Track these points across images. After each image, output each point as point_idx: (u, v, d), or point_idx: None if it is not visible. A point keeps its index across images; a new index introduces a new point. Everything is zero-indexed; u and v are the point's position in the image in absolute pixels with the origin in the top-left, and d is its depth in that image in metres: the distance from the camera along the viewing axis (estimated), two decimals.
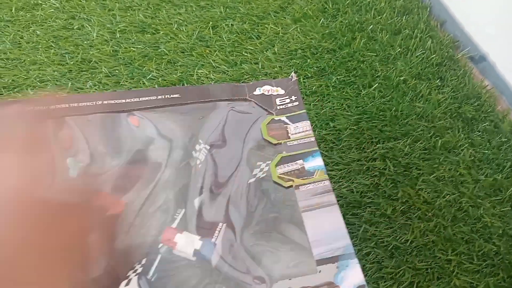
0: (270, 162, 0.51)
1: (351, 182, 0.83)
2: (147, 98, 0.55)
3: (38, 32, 1.06)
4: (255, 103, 0.56)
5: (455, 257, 0.75)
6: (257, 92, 0.57)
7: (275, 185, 0.49)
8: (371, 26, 1.12)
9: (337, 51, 1.06)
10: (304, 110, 0.56)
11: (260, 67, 1.00)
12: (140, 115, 0.54)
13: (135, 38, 1.06)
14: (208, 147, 0.51)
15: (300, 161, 0.51)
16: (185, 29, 1.08)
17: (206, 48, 1.04)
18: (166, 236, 0.44)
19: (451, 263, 0.74)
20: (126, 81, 0.96)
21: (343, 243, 0.45)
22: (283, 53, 1.04)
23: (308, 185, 0.49)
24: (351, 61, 1.04)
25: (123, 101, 0.55)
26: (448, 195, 0.82)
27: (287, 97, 0.57)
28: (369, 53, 1.06)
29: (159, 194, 0.48)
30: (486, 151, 0.90)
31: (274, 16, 1.13)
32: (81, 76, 0.97)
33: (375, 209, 0.79)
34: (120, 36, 1.06)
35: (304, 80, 0.98)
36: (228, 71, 0.99)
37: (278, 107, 0.56)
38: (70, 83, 0.95)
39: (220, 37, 1.07)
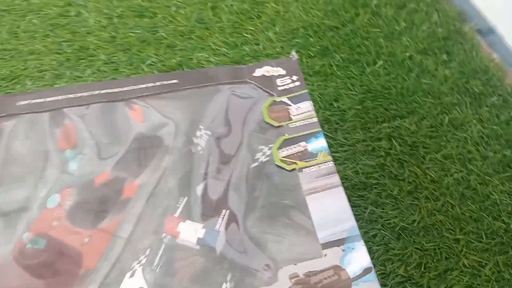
0: (272, 145, 0.50)
1: (356, 163, 0.81)
2: (144, 86, 0.54)
3: (34, 20, 1.04)
4: (255, 85, 0.55)
5: (463, 236, 0.74)
6: (257, 73, 0.56)
7: (278, 168, 0.48)
8: (375, 0, 1.09)
9: (340, 28, 1.03)
10: (306, 90, 0.54)
11: (261, 48, 0.98)
12: (140, 102, 0.52)
13: (133, 23, 1.04)
14: (210, 133, 0.50)
15: (303, 143, 0.50)
16: (183, 11, 1.06)
17: (205, 30, 1.02)
18: (169, 226, 0.44)
19: (459, 243, 0.73)
20: (125, 68, 0.95)
21: (348, 225, 0.44)
22: (285, 33, 1.02)
23: (311, 167, 0.48)
24: (354, 38, 1.01)
25: (121, 89, 0.53)
26: (456, 173, 0.81)
27: (288, 77, 0.56)
28: (373, 29, 1.03)
29: (160, 184, 0.47)
30: (495, 127, 0.87)
31: None
32: (80, 64, 0.96)
33: (381, 190, 0.78)
34: (117, 22, 1.04)
35: (307, 60, 0.96)
36: (228, 53, 0.97)
37: (279, 88, 0.55)
38: (68, 72, 0.94)
39: (219, 18, 1.04)
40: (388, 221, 0.75)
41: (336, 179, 0.48)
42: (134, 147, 0.49)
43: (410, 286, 0.69)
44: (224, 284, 0.40)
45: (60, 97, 0.52)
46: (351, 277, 0.41)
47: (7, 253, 0.41)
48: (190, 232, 0.43)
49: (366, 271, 0.41)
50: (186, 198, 0.45)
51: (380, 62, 0.96)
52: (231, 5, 1.07)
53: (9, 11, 1.07)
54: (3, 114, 0.50)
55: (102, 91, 0.53)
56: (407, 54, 0.98)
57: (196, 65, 0.96)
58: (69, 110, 0.51)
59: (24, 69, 0.95)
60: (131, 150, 0.49)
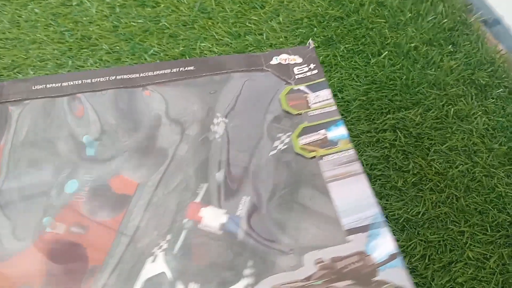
0: (291, 133, 0.50)
1: (361, 154, 0.81)
2: (161, 72, 0.53)
3: (36, 10, 1.03)
4: (272, 73, 0.54)
5: (468, 228, 0.73)
6: (274, 61, 0.55)
7: (297, 156, 0.48)
8: None
9: (345, 18, 1.02)
10: (324, 78, 0.54)
11: (264, 38, 0.97)
12: (153, 89, 0.52)
13: (135, 12, 1.03)
14: (227, 120, 0.50)
15: (323, 131, 0.50)
16: (186, 1, 1.05)
17: (208, 20, 1.01)
18: (191, 211, 0.44)
19: (464, 235, 0.73)
20: (127, 58, 0.94)
21: (372, 211, 0.44)
22: (289, 23, 1.01)
23: (332, 155, 0.48)
24: (359, 28, 1.00)
25: (137, 75, 0.53)
26: (461, 165, 0.80)
27: (305, 65, 0.55)
28: (378, 20, 1.02)
29: (176, 171, 0.47)
30: (500, 119, 0.87)
31: None
32: (82, 53, 0.95)
33: (385, 181, 0.78)
34: (120, 11, 1.03)
35: None
36: (231, 43, 0.97)
37: (296, 76, 0.54)
38: (70, 61, 0.93)
39: (222, 8, 1.03)
40: (392, 213, 0.74)
41: (357, 166, 0.47)
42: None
43: (414, 277, 0.69)
44: (245, 269, 0.40)
45: (76, 82, 0.51)
46: (376, 263, 0.41)
47: (26, 238, 0.41)
48: (213, 217, 0.43)
49: (392, 256, 0.41)
50: (206, 184, 0.45)
51: (385, 53, 0.95)
52: None
53: (11, 0, 1.06)
54: (18, 98, 0.49)
55: (119, 77, 0.52)
56: (412, 44, 0.97)
57: (199, 55, 0.95)
58: (85, 95, 0.50)
59: (26, 58, 0.94)
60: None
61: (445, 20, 1.03)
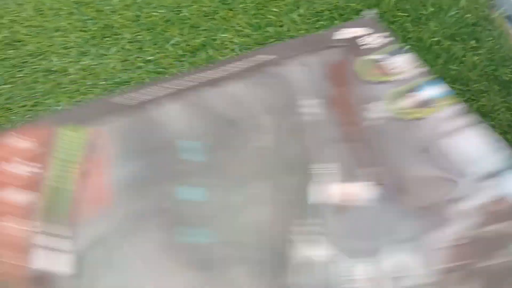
0: (385, 100, 0.49)
1: None
2: (238, 67, 0.53)
3: None
4: (343, 48, 0.54)
5: None
6: (341, 36, 0.55)
7: (397, 121, 0.48)
8: None
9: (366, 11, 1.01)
10: (397, 44, 0.54)
11: (285, 29, 0.97)
12: (235, 85, 0.52)
13: (156, 2, 1.03)
14: (316, 100, 0.50)
15: (417, 93, 0.50)
16: None
17: (229, 11, 1.01)
18: (341, 191, 0.44)
19: None
20: (150, 47, 0.95)
21: (497, 158, 0.44)
22: (309, 15, 1.00)
23: (436, 113, 0.48)
24: (380, 22, 0.99)
25: (217, 76, 0.52)
26: None
27: (372, 35, 0.55)
28: (400, 14, 1.01)
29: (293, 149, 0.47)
30: None
31: None
32: (105, 42, 0.96)
33: None
34: (141, 1, 1.03)
35: None
36: (252, 34, 0.97)
37: (367, 47, 0.54)
38: (93, 49, 0.94)
39: None
40: None
41: (467, 118, 0.47)
42: None
43: None
44: (401, 234, 0.41)
45: (165, 92, 0.50)
46: None
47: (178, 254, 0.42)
48: (356, 192, 0.43)
49: None
50: (331, 164, 0.45)
51: (407, 47, 0.94)
52: None
53: None
54: (106, 117, 0.48)
55: (197, 81, 0.52)
56: (435, 39, 0.96)
57: (219, 45, 0.96)
58: (176, 103, 0.50)
59: (50, 45, 0.95)
60: None
61: (468, 15, 1.02)
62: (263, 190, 0.44)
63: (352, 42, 0.54)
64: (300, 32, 0.97)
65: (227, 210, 0.44)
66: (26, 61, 0.94)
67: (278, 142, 0.47)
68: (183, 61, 0.94)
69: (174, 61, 0.94)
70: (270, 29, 0.97)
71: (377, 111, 0.48)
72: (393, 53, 0.53)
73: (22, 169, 0.42)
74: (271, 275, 0.40)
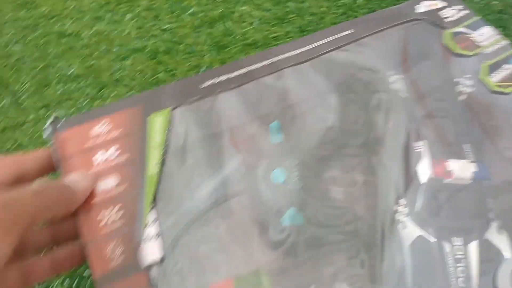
0: (476, 75, 0.48)
1: None
2: (327, 40, 0.51)
3: None
4: (426, 21, 0.52)
5: None
6: (421, 9, 0.53)
7: (495, 95, 0.46)
8: None
9: None
10: (478, 17, 0.52)
11: (306, 5, 0.94)
12: (328, 57, 0.50)
13: None
14: (402, 76, 0.48)
15: (510, 64, 0.48)
16: None
17: None
18: (438, 169, 0.42)
19: None
20: (166, 16, 0.92)
21: None
22: None
23: None
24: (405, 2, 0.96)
25: (300, 50, 0.50)
26: None
27: (451, 7, 0.53)
28: None
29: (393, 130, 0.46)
30: None
31: None
32: (119, 8, 0.93)
33: None
34: None
35: None
36: (271, 8, 0.94)
37: (449, 19, 0.52)
38: (108, 15, 0.92)
39: None
40: None
41: None
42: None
43: None
44: (489, 212, 0.40)
45: (242, 71, 0.48)
46: None
47: (260, 232, 0.40)
48: (461, 168, 0.42)
49: None
50: (424, 141, 0.44)
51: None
52: None
53: None
54: (194, 98, 0.46)
55: (284, 55, 0.50)
56: None
57: (238, 18, 0.93)
58: (259, 82, 0.48)
59: (64, 9, 0.93)
60: None
61: (495, 2, 0.99)
62: (355, 168, 0.43)
63: (434, 15, 0.52)
64: (321, 9, 0.94)
65: (315, 191, 0.42)
66: (38, 23, 0.92)
67: (367, 120, 0.46)
68: (200, 31, 0.91)
69: (190, 31, 0.91)
70: (290, 4, 0.94)
71: (471, 85, 0.47)
72: (475, 26, 0.51)
73: (111, 156, 0.40)
74: (371, 255, 0.39)
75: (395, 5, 0.95)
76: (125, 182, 0.39)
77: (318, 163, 0.44)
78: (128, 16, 0.92)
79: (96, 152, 0.40)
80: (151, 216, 0.38)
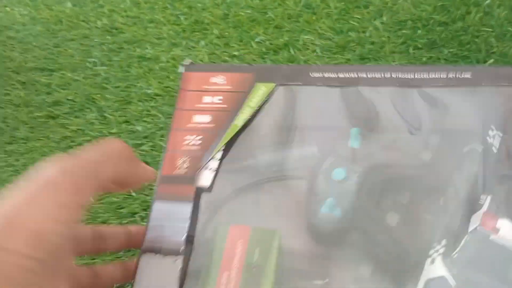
0: None
1: None
2: (436, 75, 0.52)
3: None
4: None
5: None
6: None
7: None
8: (488, 1, 1.06)
9: (450, 24, 1.01)
10: None
11: (367, 35, 1.00)
12: (433, 93, 0.51)
13: (244, 3, 1.09)
14: (501, 134, 0.48)
15: None
16: None
17: (312, 15, 1.05)
18: (486, 221, 0.42)
19: None
20: (235, 43, 1.00)
21: None
22: (392, 23, 1.02)
23: None
24: (464, 35, 0.99)
25: (412, 76, 0.52)
26: None
27: None
28: (484, 29, 1.01)
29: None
30: None
31: None
32: (194, 36, 1.03)
33: None
34: (230, 1, 1.10)
35: (414, 51, 0.96)
36: (333, 37, 1.00)
37: None
38: (184, 41, 1.01)
39: (327, 5, 1.07)
40: None
41: None
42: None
43: None
44: None
45: (352, 75, 0.52)
46: None
47: (300, 214, 0.45)
48: (510, 230, 0.41)
49: None
50: (490, 196, 0.44)
51: (491, 61, 0.94)
52: None
53: None
54: (298, 83, 0.53)
55: (394, 75, 0.52)
56: None
57: (301, 46, 1.00)
58: (361, 89, 0.52)
59: (145, 35, 1.03)
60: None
61: None
62: (417, 204, 0.45)
63: None
64: (381, 38, 0.99)
65: (366, 200, 0.45)
66: (122, 47, 1.02)
67: (452, 164, 0.47)
68: (265, 57, 0.99)
69: (257, 57, 0.98)
70: (352, 33, 1.00)
71: None
72: None
73: (215, 101, 0.50)
74: (393, 279, 0.41)
75: (455, 36, 0.98)
76: (215, 122, 0.49)
77: (382, 181, 0.46)
78: (202, 42, 1.00)
79: (206, 94, 0.50)
80: (218, 154, 0.47)
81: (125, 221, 0.78)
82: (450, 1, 1.06)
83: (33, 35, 1.10)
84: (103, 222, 0.79)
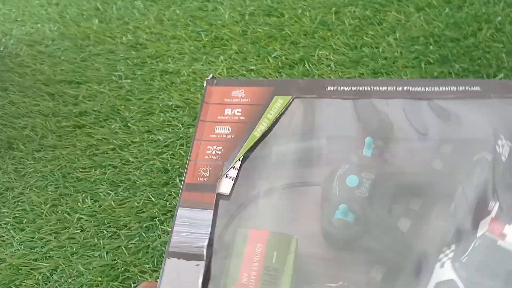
0: None
1: None
2: (447, 88, 0.55)
3: (177, 11, 1.19)
4: None
5: None
6: None
7: None
8: (499, 17, 1.09)
9: (461, 40, 1.04)
10: None
11: (380, 51, 1.03)
12: (443, 104, 0.54)
13: (262, 20, 1.14)
14: (510, 144, 0.50)
15: None
16: (308, 14, 1.14)
17: (328, 31, 1.09)
18: (494, 227, 0.44)
19: None
20: (253, 58, 1.05)
21: None
22: (404, 39, 1.06)
23: None
24: (475, 50, 1.02)
25: (423, 89, 0.55)
26: None
27: None
28: (495, 44, 1.03)
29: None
30: None
31: (397, 4, 1.14)
32: (214, 51, 1.08)
33: None
34: (248, 18, 1.15)
35: (426, 66, 0.99)
36: (348, 53, 1.04)
37: None
38: (204, 56, 1.06)
39: (342, 22, 1.11)
40: None
41: None
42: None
43: None
44: None
45: (365, 88, 0.56)
46: None
47: (315, 219, 0.47)
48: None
49: None
50: (497, 203, 0.46)
51: (501, 75, 0.96)
52: (354, 11, 1.13)
53: (156, 1, 1.23)
54: (314, 96, 0.56)
55: (405, 88, 0.55)
56: None
57: (316, 61, 1.04)
58: (374, 101, 0.55)
59: (167, 50, 1.09)
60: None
61: None
62: (427, 210, 0.46)
63: None
64: (394, 54, 1.03)
65: (377, 208, 0.47)
66: (146, 62, 1.08)
67: (462, 171, 0.48)
68: (281, 72, 1.03)
69: (273, 71, 1.02)
70: (365, 49, 1.04)
71: None
72: None
73: (234, 113, 0.53)
74: (404, 282, 0.42)
75: (466, 52, 1.01)
76: (234, 134, 0.51)
77: (394, 188, 0.48)
78: (221, 58, 1.05)
79: (227, 107, 0.54)
80: (237, 164, 0.49)
81: (145, 225, 0.82)
82: (461, 18, 1.09)
83: (62, 50, 1.16)
84: (124, 226, 0.83)
